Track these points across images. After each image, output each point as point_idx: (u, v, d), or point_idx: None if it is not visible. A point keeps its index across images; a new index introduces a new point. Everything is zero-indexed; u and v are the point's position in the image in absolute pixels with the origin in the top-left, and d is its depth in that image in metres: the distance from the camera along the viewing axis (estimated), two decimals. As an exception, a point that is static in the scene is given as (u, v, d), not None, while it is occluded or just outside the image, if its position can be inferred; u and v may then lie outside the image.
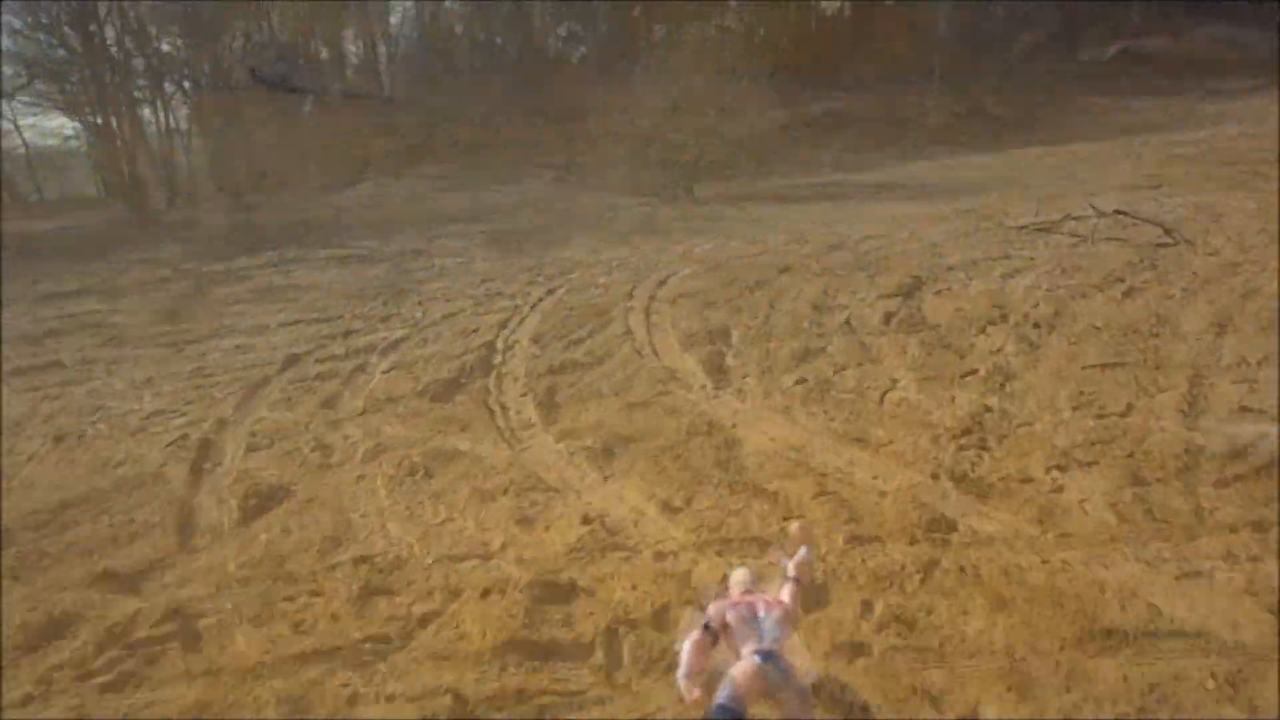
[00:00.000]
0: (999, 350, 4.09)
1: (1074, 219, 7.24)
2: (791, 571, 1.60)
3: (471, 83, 19.01)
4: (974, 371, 3.81)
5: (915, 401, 3.58)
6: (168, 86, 17.74)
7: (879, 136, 14.67)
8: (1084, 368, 3.72)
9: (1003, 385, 3.64)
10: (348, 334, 5.73)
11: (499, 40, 21.89)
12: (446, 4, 22.92)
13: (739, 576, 1.61)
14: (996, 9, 18.42)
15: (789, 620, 1.48)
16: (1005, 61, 16.86)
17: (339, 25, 19.04)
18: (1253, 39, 16.46)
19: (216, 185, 15.09)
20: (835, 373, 4.03)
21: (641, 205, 11.25)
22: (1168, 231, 6.62)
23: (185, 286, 8.14)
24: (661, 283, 6.26)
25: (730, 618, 1.43)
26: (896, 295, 5.30)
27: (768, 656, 1.30)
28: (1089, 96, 16.29)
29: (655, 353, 4.64)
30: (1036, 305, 4.84)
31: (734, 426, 3.54)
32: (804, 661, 1.52)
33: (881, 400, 3.66)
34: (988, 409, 3.41)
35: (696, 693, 1.38)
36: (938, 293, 5.32)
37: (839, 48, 19.17)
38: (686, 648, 1.43)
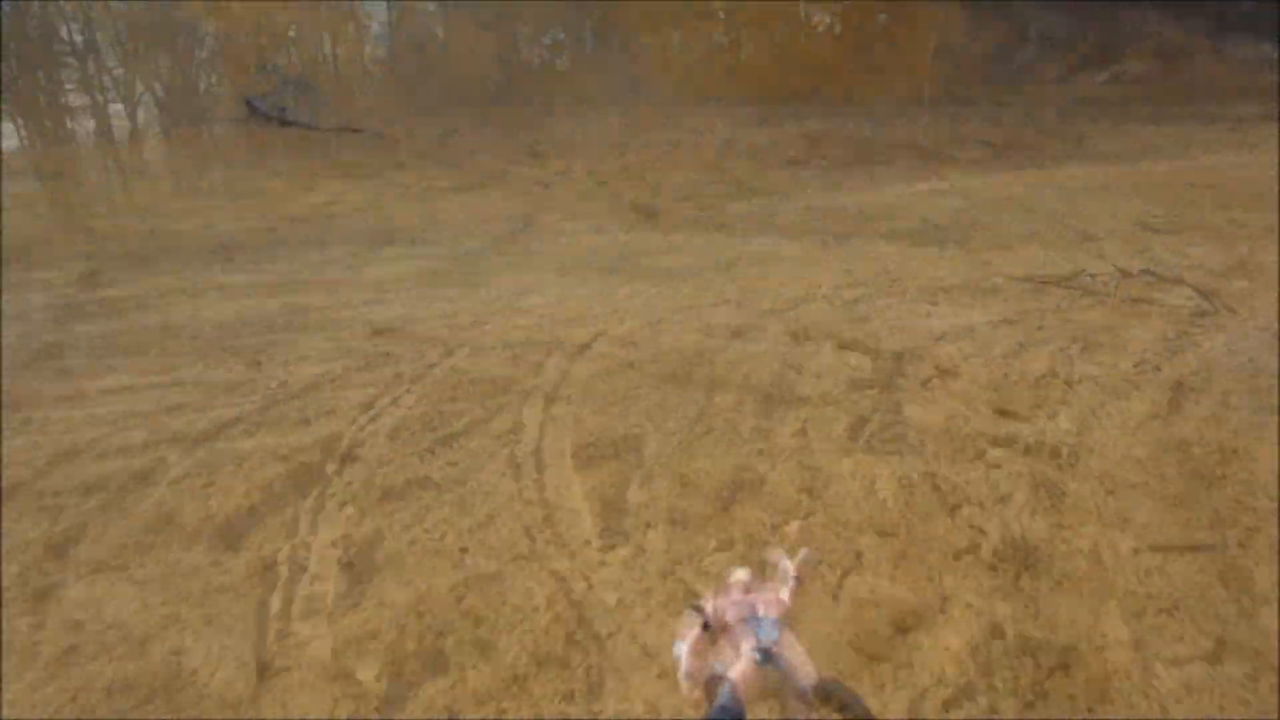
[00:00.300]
0: (1006, 499, 2.88)
1: (1090, 276, 6.08)
2: (793, 571, 1.32)
3: (445, 94, 17.85)
4: (975, 548, 2.59)
5: (887, 601, 2.36)
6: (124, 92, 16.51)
7: (869, 161, 13.55)
8: (1137, 551, 2.51)
9: (1018, 578, 2.42)
10: (171, 409, 4.46)
11: (476, 48, 20.74)
12: (429, 6, 21.78)
13: (738, 575, 1.35)
14: (1028, 30, 17.30)
15: (789, 620, 1.28)
16: (1030, 84, 15.80)
17: (318, 30, 17.78)
18: (1261, 58, 15.47)
19: (164, 193, 13.89)
20: (774, 528, 2.81)
21: (597, 233, 10.06)
22: (1204, 296, 5.47)
23: (44, 326, 6.85)
24: (585, 347, 5.03)
25: (729, 616, 1.21)
26: (871, 385, 4.09)
27: (767, 656, 1.12)
28: (1087, 120, 15.30)
29: (538, 470, 3.40)
30: (1055, 414, 3.63)
31: (609, 638, 2.31)
32: (804, 661, 1.21)
33: (837, 592, 2.44)
34: (998, 633, 2.18)
35: (696, 693, 1.23)
36: (925, 382, 4.11)
37: (830, 65, 18.12)
38: (685, 648, 1.17)
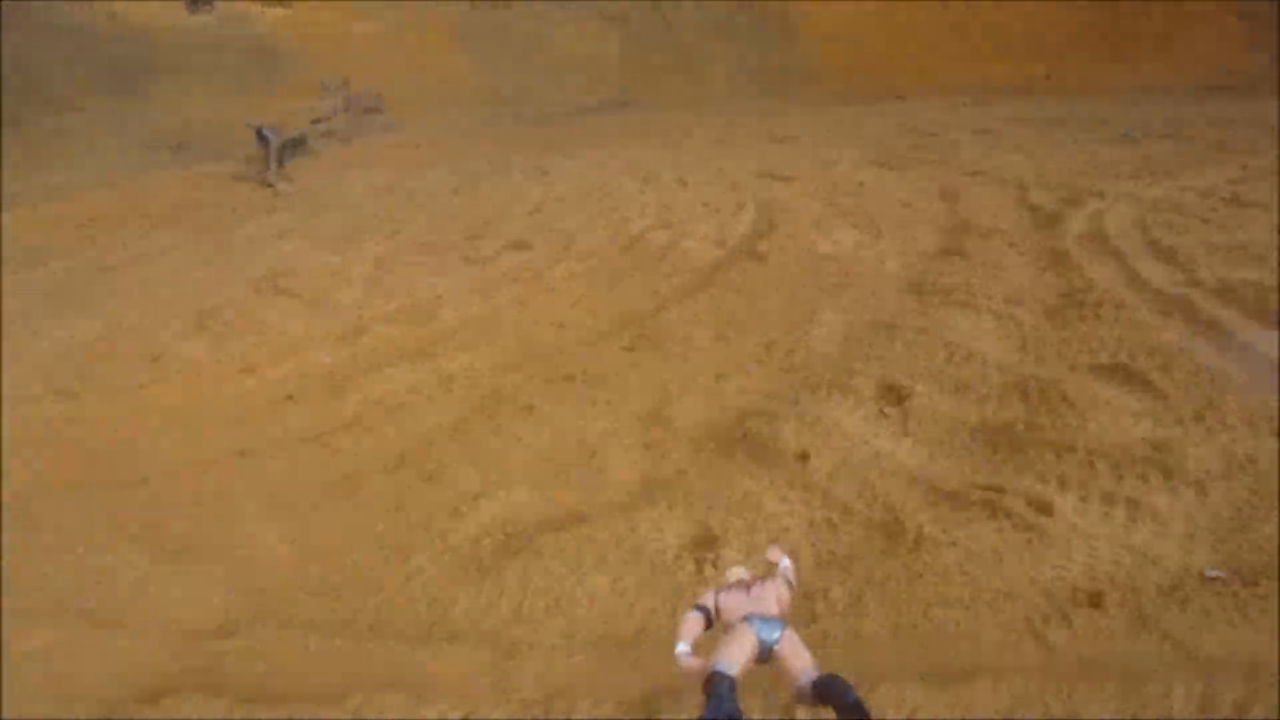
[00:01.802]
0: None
1: None
2: (790, 576, 1.37)
3: (541, 107, 15.17)
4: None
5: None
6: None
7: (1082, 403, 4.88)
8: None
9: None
10: None
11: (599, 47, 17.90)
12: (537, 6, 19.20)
13: (739, 575, 1.41)
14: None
15: (787, 617, 1.31)
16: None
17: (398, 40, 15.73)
18: None
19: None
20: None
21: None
22: None
23: None
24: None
25: (730, 615, 1.28)
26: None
27: (766, 654, 1.20)
28: None
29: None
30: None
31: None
32: (803, 660, 1.22)
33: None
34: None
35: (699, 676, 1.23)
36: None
37: (1051, 41, 13.31)
38: (687, 647, 1.26)
